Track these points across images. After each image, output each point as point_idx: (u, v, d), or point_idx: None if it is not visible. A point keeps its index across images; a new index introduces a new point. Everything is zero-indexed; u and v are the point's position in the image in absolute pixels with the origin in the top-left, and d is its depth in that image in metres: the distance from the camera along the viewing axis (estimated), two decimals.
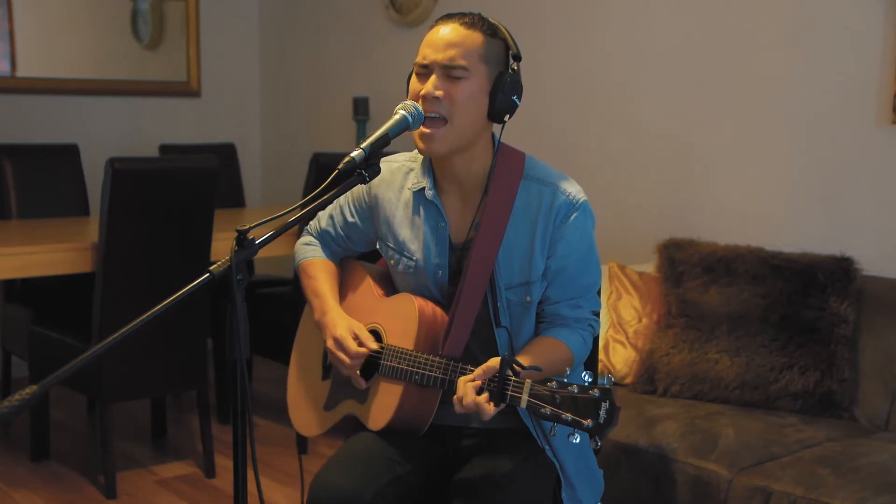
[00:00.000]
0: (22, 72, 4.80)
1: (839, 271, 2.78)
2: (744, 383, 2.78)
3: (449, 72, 1.85)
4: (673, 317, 2.96)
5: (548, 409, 1.64)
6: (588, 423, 1.61)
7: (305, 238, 2.21)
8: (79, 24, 4.99)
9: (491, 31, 1.88)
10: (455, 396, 1.77)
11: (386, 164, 2.05)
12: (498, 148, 1.95)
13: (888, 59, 2.97)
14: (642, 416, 2.66)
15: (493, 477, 1.83)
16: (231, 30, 5.50)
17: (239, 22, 5.53)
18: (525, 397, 1.68)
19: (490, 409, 1.71)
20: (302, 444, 3.74)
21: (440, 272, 1.98)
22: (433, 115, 1.85)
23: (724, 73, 3.39)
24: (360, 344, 1.95)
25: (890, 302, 2.80)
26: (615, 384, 2.56)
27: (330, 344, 1.97)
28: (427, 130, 1.85)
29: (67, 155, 4.43)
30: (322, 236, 2.19)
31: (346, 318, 2.00)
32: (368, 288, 2.10)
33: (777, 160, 3.26)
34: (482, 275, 1.90)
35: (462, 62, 1.84)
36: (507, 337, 1.94)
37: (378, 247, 2.10)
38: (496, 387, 1.71)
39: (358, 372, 1.98)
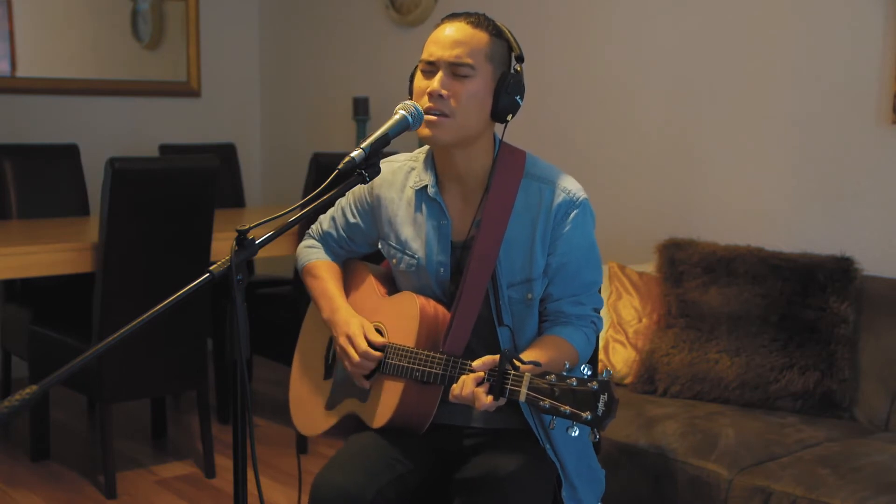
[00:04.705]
0: (22, 72, 4.80)
1: (839, 271, 2.78)
2: (744, 383, 2.78)
3: (455, 69, 1.86)
4: (673, 317, 2.96)
5: (546, 403, 1.65)
6: (586, 415, 1.62)
7: (307, 241, 2.22)
8: (78, 24, 4.99)
9: (496, 31, 1.91)
10: (454, 385, 1.77)
11: (387, 164, 2.06)
12: (499, 146, 1.96)
13: (888, 59, 2.97)
14: (642, 416, 2.66)
15: (493, 476, 1.84)
16: (231, 30, 5.50)
17: (239, 22, 5.53)
18: (524, 391, 1.68)
19: (487, 399, 1.71)
20: (301, 444, 3.74)
21: (442, 270, 1.98)
22: (437, 112, 1.85)
23: (724, 74, 3.39)
24: (372, 345, 1.95)
25: (890, 302, 2.80)
26: (615, 384, 2.56)
27: (342, 341, 1.97)
28: (432, 118, 1.86)
29: (67, 155, 4.43)
30: (324, 239, 2.19)
31: (357, 317, 2.01)
32: (371, 287, 2.11)
33: (777, 160, 3.26)
34: (483, 273, 1.91)
35: (468, 60, 1.86)
36: (510, 336, 1.94)
37: (380, 246, 2.10)
38: (496, 381, 1.72)
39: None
